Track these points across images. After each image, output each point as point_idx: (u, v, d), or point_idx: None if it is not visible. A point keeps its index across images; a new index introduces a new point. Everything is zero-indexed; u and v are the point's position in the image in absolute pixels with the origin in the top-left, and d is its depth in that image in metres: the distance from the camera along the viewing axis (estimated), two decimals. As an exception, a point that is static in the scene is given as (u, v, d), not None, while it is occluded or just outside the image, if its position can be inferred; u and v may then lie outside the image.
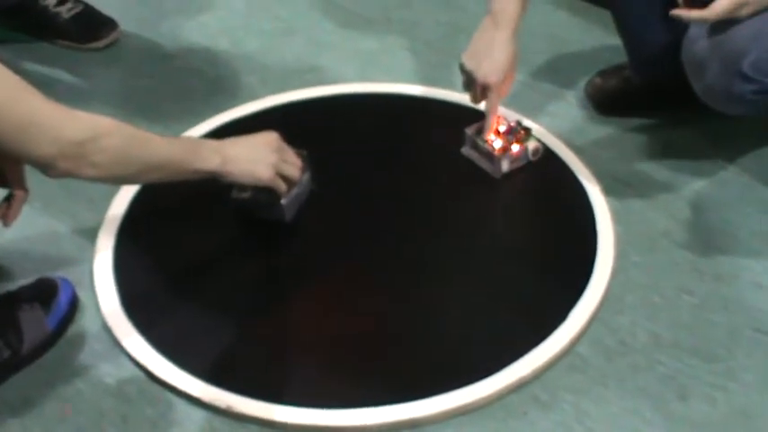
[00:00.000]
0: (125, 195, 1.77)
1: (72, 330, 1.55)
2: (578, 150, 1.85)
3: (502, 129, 1.79)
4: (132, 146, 1.39)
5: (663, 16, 1.51)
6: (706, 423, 1.39)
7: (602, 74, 1.97)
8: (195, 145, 1.55)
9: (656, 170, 1.81)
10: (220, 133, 1.88)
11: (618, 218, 1.70)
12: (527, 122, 1.84)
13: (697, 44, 1.51)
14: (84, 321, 1.56)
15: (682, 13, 1.44)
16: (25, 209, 1.45)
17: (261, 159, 1.58)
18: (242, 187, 1.66)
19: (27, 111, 1.25)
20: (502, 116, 1.80)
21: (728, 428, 1.38)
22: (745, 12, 1.41)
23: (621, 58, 1.91)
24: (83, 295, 1.59)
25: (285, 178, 1.62)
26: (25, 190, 1.41)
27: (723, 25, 1.43)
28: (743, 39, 1.43)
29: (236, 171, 1.54)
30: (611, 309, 1.55)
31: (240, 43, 2.24)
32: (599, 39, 2.15)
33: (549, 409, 1.41)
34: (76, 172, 1.31)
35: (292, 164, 1.64)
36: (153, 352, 1.49)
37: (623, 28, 1.84)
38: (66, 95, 2.03)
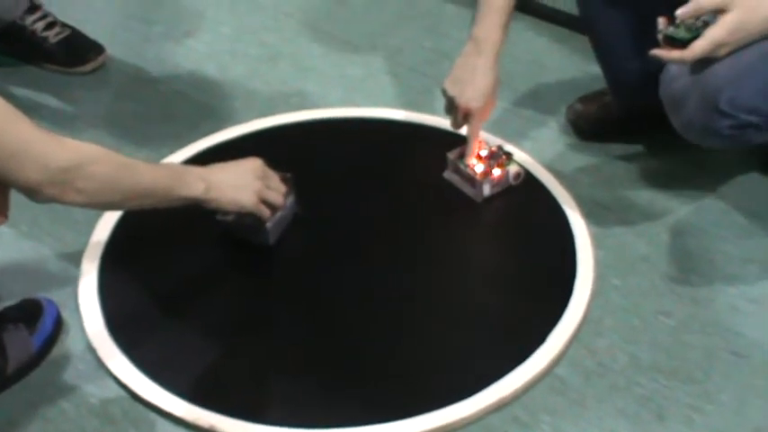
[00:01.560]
0: (110, 217, 1.78)
1: (56, 351, 1.55)
2: (559, 175, 1.87)
3: (483, 153, 1.81)
4: (118, 173, 1.40)
5: (640, 43, 1.54)
6: (683, 444, 1.41)
7: (582, 100, 1.99)
8: (180, 172, 1.57)
9: (636, 195, 1.84)
10: (206, 157, 1.90)
11: (598, 242, 1.72)
12: (509, 147, 1.86)
13: (675, 82, 1.54)
14: (69, 342, 1.57)
15: (661, 53, 1.46)
16: (11, 231, 1.47)
17: (245, 186, 1.60)
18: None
19: (15, 137, 1.26)
20: (483, 141, 1.83)
21: (705, 449, 1.40)
22: (723, 52, 1.43)
23: (602, 84, 1.94)
24: (67, 316, 1.60)
25: (269, 204, 1.64)
26: (5, 217, 1.40)
27: (701, 63, 1.46)
28: (720, 76, 1.45)
29: (220, 198, 1.56)
30: (591, 331, 1.57)
31: (226, 68, 2.26)
32: (580, 65, 2.18)
33: (529, 430, 1.42)
34: (62, 198, 1.32)
35: (276, 190, 1.66)
36: (137, 372, 1.50)
37: (602, 56, 1.87)
38: (53, 119, 2.06)
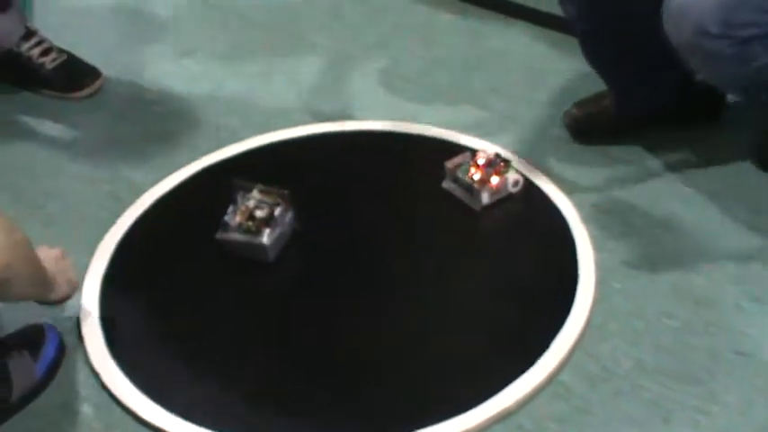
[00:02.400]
0: (110, 241, 1.79)
1: (59, 376, 1.55)
2: (557, 180, 1.87)
3: (481, 161, 1.81)
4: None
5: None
6: (690, 447, 1.40)
7: (578, 104, 1.99)
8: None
9: (635, 197, 1.83)
10: (205, 176, 1.91)
11: (598, 246, 1.72)
12: (506, 154, 1.86)
13: (667, 23, 1.53)
14: (72, 367, 1.57)
15: None
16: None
17: (62, 271, 1.60)
18: (225, 227, 1.70)
19: None
20: (481, 149, 1.82)
21: (712, 451, 1.40)
22: None
23: (597, 87, 1.94)
24: (69, 341, 1.60)
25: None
26: None
27: None
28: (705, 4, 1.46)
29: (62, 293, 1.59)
30: (594, 336, 1.56)
31: (222, 86, 2.26)
32: (576, 69, 2.16)
33: (534, 439, 1.42)
34: None
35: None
36: (140, 395, 1.50)
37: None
38: (53, 144, 2.07)
